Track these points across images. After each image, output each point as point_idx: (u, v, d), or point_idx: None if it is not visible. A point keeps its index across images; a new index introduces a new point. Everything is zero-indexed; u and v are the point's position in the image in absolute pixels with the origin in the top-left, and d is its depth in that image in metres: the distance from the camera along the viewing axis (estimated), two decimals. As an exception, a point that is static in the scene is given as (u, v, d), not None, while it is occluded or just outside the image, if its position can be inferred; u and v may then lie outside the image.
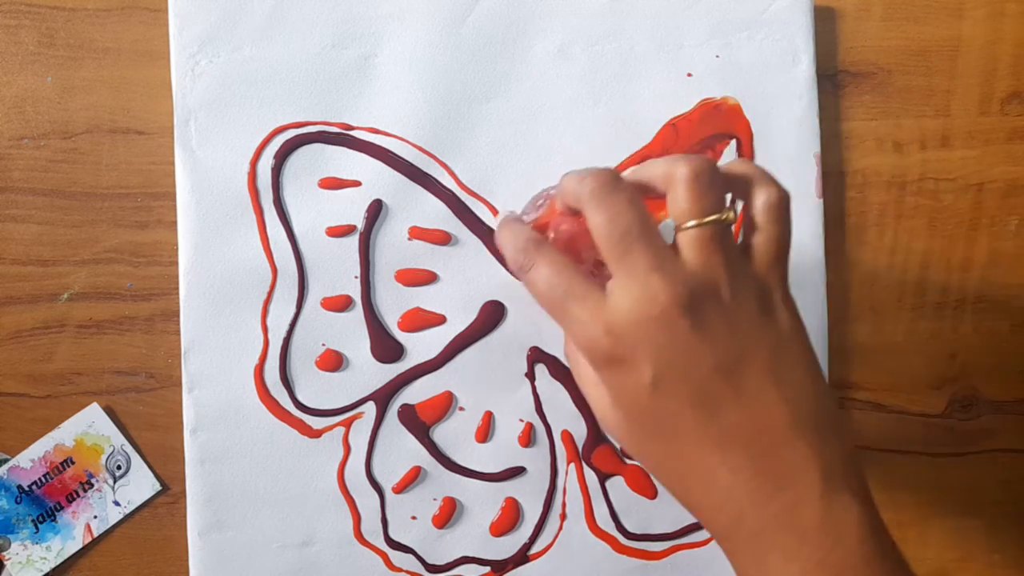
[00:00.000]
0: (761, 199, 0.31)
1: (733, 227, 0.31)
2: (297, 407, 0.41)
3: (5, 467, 0.41)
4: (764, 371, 0.30)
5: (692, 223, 0.30)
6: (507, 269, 0.34)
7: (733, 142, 0.42)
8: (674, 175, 0.30)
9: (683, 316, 0.29)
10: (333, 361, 0.41)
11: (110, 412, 0.42)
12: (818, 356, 0.42)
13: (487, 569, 0.42)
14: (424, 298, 0.42)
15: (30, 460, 0.41)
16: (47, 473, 0.41)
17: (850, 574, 0.28)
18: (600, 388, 0.32)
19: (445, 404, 0.42)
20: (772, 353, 0.30)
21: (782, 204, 0.31)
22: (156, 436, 0.42)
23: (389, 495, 0.42)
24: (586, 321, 0.30)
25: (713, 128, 0.42)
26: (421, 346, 0.42)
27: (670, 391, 0.29)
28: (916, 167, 0.44)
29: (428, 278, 0.42)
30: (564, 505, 0.42)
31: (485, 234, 0.42)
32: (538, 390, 0.42)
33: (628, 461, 0.42)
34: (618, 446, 0.42)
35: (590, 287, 0.30)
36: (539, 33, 0.42)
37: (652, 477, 0.32)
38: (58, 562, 0.41)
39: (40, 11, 0.42)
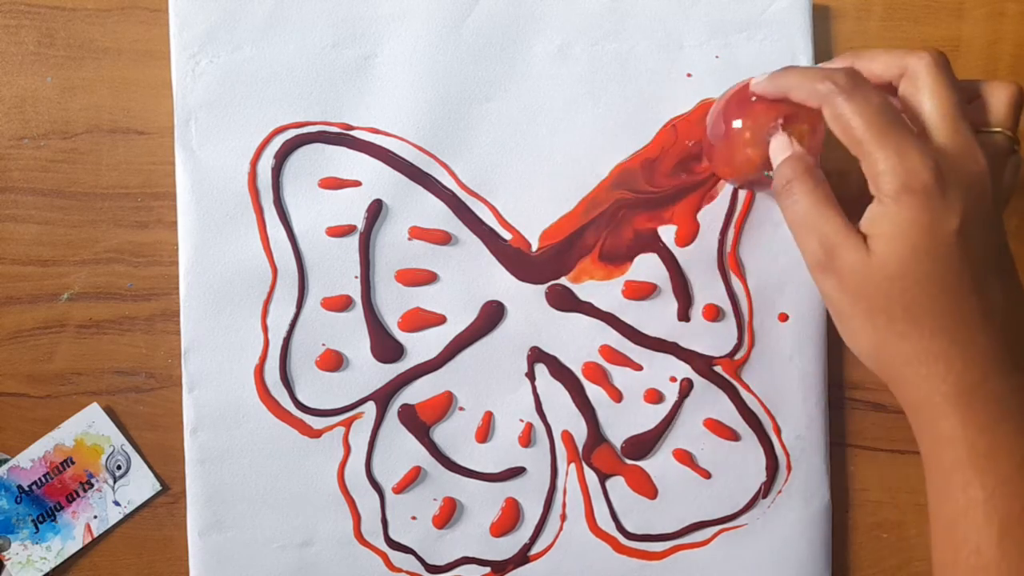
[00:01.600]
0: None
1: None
2: (297, 407, 0.41)
3: (5, 467, 0.41)
4: (1012, 270, 0.33)
5: (1002, 130, 0.34)
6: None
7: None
8: (1009, 93, 0.35)
9: (989, 187, 0.32)
10: (333, 361, 0.41)
11: (110, 412, 0.42)
12: (818, 356, 0.42)
13: (487, 569, 0.42)
14: (424, 298, 0.42)
15: (30, 460, 0.41)
16: (47, 473, 0.41)
17: None
18: (868, 239, 0.32)
19: (445, 404, 0.42)
20: (1012, 262, 0.34)
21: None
22: (156, 436, 0.42)
23: (389, 495, 0.42)
24: (914, 151, 0.31)
25: (713, 128, 0.42)
26: (421, 346, 0.42)
27: (967, 244, 0.31)
28: (916, 167, 0.44)
29: (428, 278, 0.42)
30: (564, 505, 0.42)
31: (485, 234, 0.42)
32: (538, 390, 0.42)
33: (628, 461, 0.42)
34: (618, 445, 0.42)
35: (914, 129, 0.32)
36: (539, 33, 0.42)
37: (866, 338, 0.33)
38: (58, 562, 0.41)
39: (40, 11, 0.42)
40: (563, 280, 0.42)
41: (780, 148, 0.36)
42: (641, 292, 0.42)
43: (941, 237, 0.31)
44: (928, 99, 0.33)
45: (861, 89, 0.32)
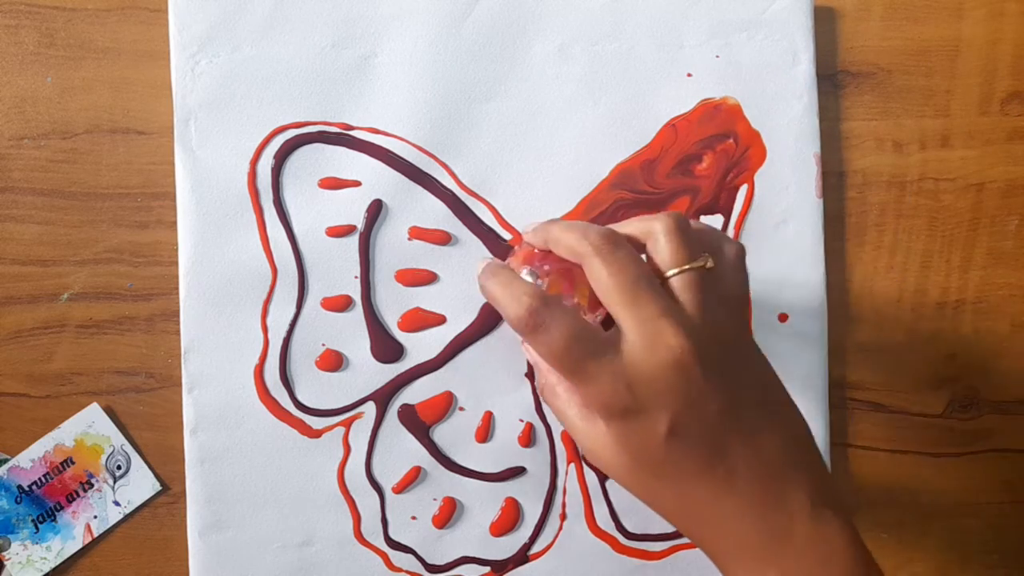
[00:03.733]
0: (728, 251, 0.34)
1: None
2: (297, 407, 0.41)
3: (5, 467, 0.41)
4: (760, 408, 0.32)
5: (676, 270, 0.32)
6: (506, 319, 0.34)
7: (732, 141, 0.42)
8: (654, 229, 0.33)
9: (695, 362, 0.30)
10: (333, 361, 0.41)
11: (110, 412, 0.42)
12: (818, 356, 0.42)
13: (487, 569, 0.42)
14: (424, 298, 0.42)
15: (30, 460, 0.41)
16: (47, 473, 0.41)
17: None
18: (602, 438, 0.32)
19: (445, 404, 0.42)
20: (763, 390, 0.33)
21: (743, 256, 0.35)
22: (156, 436, 0.42)
23: (389, 495, 0.42)
24: (605, 378, 0.31)
25: (713, 128, 0.42)
26: (421, 346, 0.42)
27: (684, 437, 0.31)
28: (916, 167, 0.44)
29: (428, 278, 0.42)
30: (564, 505, 0.42)
31: (485, 234, 0.42)
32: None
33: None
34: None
35: (606, 342, 0.31)
36: (539, 33, 0.42)
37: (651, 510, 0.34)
38: (58, 562, 0.41)
39: (40, 11, 0.42)
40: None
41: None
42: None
43: (654, 446, 0.31)
44: (605, 292, 0.31)
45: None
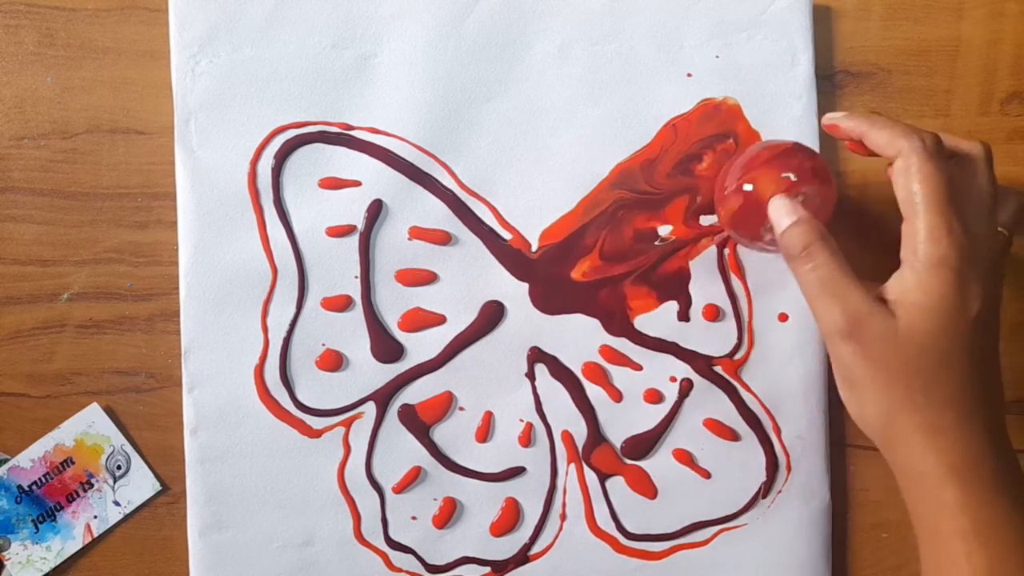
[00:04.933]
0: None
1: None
2: (297, 407, 0.41)
3: (5, 467, 0.41)
4: (999, 355, 0.35)
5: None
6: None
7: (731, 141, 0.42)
8: (974, 154, 0.36)
9: (998, 282, 0.35)
10: (333, 361, 0.41)
11: (110, 412, 0.42)
12: (818, 356, 0.42)
13: (487, 569, 0.42)
14: (424, 298, 0.42)
15: (30, 460, 0.41)
16: (47, 473, 0.41)
17: None
18: (895, 309, 0.33)
19: (445, 404, 0.42)
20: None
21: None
22: (156, 436, 0.42)
23: (389, 495, 0.42)
24: (960, 230, 0.33)
25: (713, 128, 0.42)
26: (421, 346, 0.42)
27: (985, 329, 0.33)
28: (916, 167, 0.44)
29: (428, 278, 0.42)
30: (564, 505, 0.42)
31: (485, 234, 0.42)
32: (538, 390, 0.42)
33: (628, 461, 0.42)
34: (618, 445, 0.42)
35: None
36: (539, 33, 0.42)
37: (871, 409, 0.35)
38: (58, 562, 0.41)
39: (40, 11, 0.42)
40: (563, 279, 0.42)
41: (785, 211, 0.36)
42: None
43: (965, 318, 0.33)
44: (978, 183, 0.35)
45: (940, 156, 0.34)
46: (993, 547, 0.32)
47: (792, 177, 0.36)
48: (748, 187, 0.37)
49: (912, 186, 0.33)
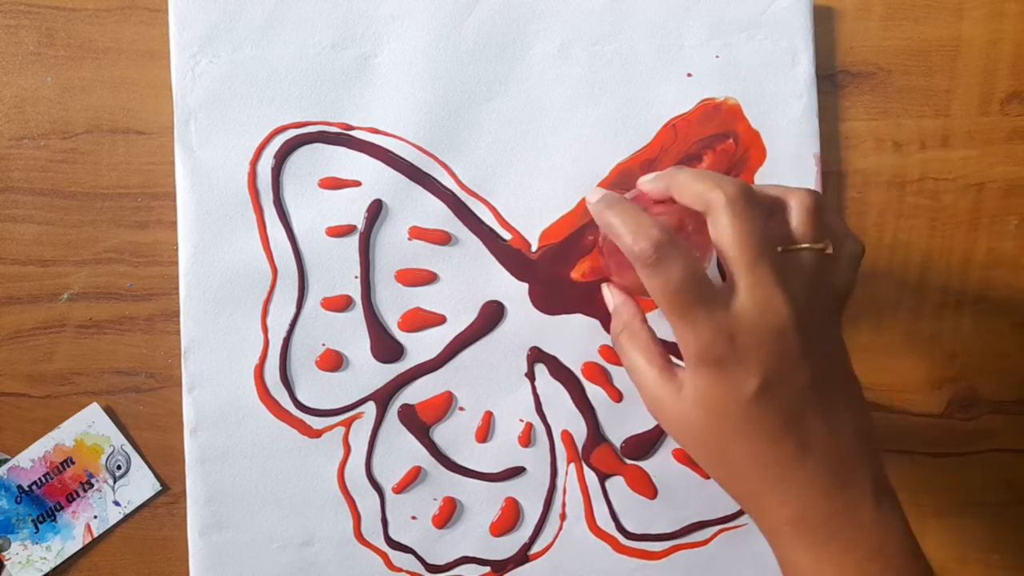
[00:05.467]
0: (849, 246, 0.35)
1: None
2: (297, 407, 0.41)
3: (5, 467, 0.41)
4: (839, 392, 0.33)
5: (800, 246, 0.33)
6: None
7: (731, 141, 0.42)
8: (790, 201, 0.34)
9: (796, 334, 0.32)
10: (333, 361, 0.41)
11: (110, 412, 0.42)
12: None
13: (487, 569, 0.42)
14: (424, 298, 0.42)
15: (30, 460, 0.41)
16: (47, 473, 0.41)
17: (899, 560, 0.32)
18: (680, 390, 0.33)
19: (445, 404, 0.42)
20: (844, 377, 0.34)
21: (860, 256, 0.35)
22: (156, 436, 0.42)
23: (389, 495, 0.42)
24: (709, 325, 0.31)
25: (713, 128, 0.42)
26: (421, 346, 0.42)
27: (770, 399, 0.32)
28: (916, 167, 0.44)
29: (428, 278, 0.42)
30: (564, 505, 0.42)
31: (485, 234, 0.42)
32: (538, 390, 0.42)
33: (628, 461, 0.42)
34: (618, 444, 0.42)
35: (718, 293, 0.32)
36: (539, 33, 0.42)
37: (704, 469, 0.35)
38: (58, 562, 0.41)
39: (40, 11, 0.42)
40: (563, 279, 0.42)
41: (607, 296, 0.39)
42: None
43: (739, 401, 0.32)
44: (728, 246, 0.32)
45: (748, 207, 0.32)
46: None
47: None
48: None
49: (719, 248, 0.32)
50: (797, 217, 0.33)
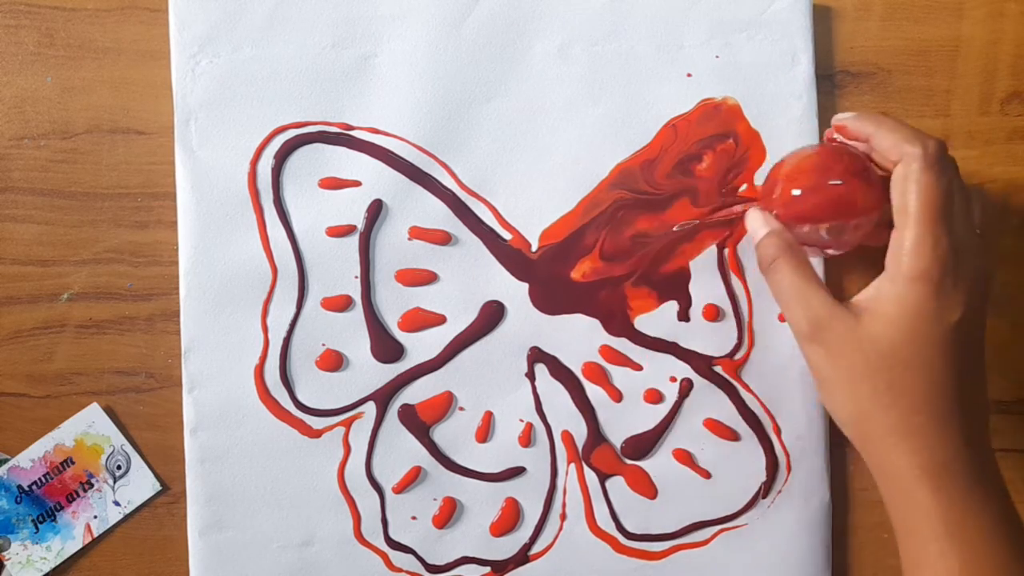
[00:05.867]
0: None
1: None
2: (297, 407, 0.41)
3: (5, 467, 0.41)
4: (983, 352, 0.36)
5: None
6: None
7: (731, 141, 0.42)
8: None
9: (985, 280, 0.34)
10: (333, 361, 0.41)
11: (110, 412, 0.42)
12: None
13: (487, 569, 0.42)
14: (424, 298, 0.42)
15: (30, 460, 0.41)
16: (47, 473, 0.41)
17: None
18: (863, 313, 0.34)
19: (445, 404, 0.42)
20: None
21: None
22: (156, 436, 0.42)
23: (389, 495, 0.42)
24: (945, 240, 0.33)
25: (713, 128, 0.42)
26: (421, 346, 0.42)
27: (964, 334, 0.34)
28: (916, 167, 0.44)
29: (428, 278, 0.42)
30: (564, 505, 0.42)
31: (485, 234, 0.42)
32: (538, 390, 0.42)
33: (628, 461, 0.42)
34: (618, 445, 0.42)
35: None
36: (539, 33, 0.42)
37: (845, 402, 0.35)
38: (58, 562, 0.41)
39: (40, 11, 0.42)
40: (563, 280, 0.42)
41: (759, 223, 0.38)
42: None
43: (942, 327, 0.33)
44: (957, 191, 0.34)
45: (942, 165, 0.34)
46: (966, 548, 0.33)
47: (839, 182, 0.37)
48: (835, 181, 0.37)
49: (908, 194, 0.34)
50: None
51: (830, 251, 0.38)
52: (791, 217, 0.37)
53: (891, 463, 0.34)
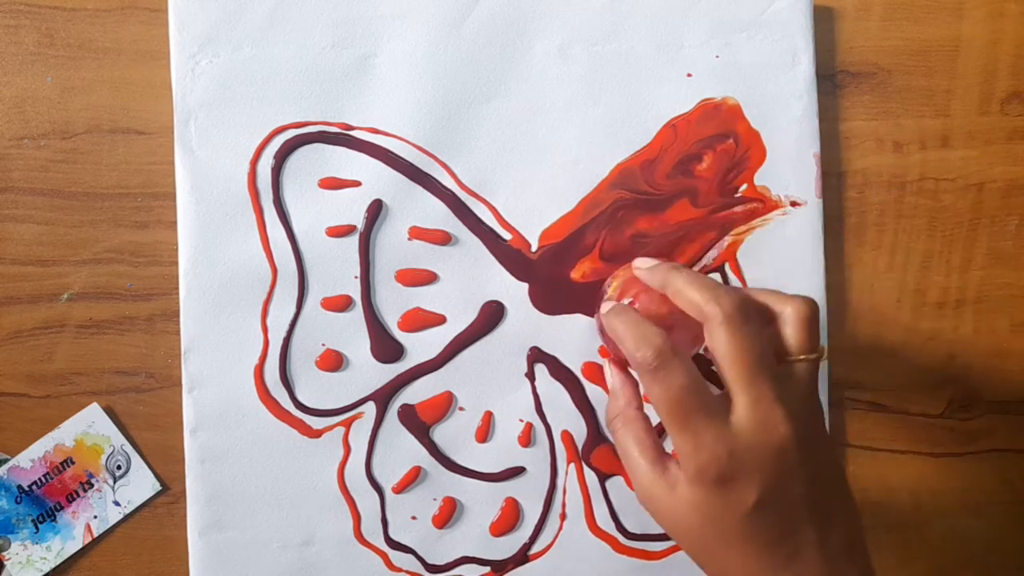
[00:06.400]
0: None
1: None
2: (297, 407, 0.41)
3: (5, 467, 0.41)
4: (831, 499, 0.33)
5: (800, 357, 0.34)
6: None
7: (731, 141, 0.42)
8: (786, 312, 0.34)
9: (795, 447, 0.32)
10: (333, 361, 0.41)
11: (110, 412, 0.42)
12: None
13: (487, 569, 0.42)
14: (424, 298, 0.42)
15: (30, 460, 0.41)
16: (47, 473, 0.41)
17: None
18: (674, 493, 0.33)
19: (445, 404, 0.42)
20: (836, 483, 0.34)
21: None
22: (156, 436, 0.42)
23: (389, 495, 0.42)
24: (709, 438, 0.32)
25: (713, 128, 0.42)
26: (421, 346, 0.42)
27: (765, 513, 0.32)
28: (916, 167, 0.44)
29: (428, 278, 0.42)
30: (564, 505, 0.42)
31: (485, 234, 0.42)
32: (538, 390, 0.42)
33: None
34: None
35: (718, 405, 0.32)
36: (539, 33, 0.42)
37: (693, 560, 0.34)
38: (58, 562, 0.41)
39: (40, 11, 0.42)
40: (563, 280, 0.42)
41: (609, 376, 0.38)
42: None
43: (736, 513, 0.32)
44: (726, 365, 0.32)
45: (740, 319, 0.32)
46: None
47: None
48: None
49: (719, 360, 0.33)
50: (792, 326, 0.34)
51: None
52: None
53: None
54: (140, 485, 0.42)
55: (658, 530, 0.42)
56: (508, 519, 0.42)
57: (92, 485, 0.41)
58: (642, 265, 0.37)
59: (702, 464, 0.32)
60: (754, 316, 0.33)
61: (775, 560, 0.32)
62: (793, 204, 0.42)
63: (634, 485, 0.35)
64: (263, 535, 0.41)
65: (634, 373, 0.36)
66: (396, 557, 0.42)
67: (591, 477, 0.42)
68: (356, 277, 0.41)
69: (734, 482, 0.32)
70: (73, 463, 0.41)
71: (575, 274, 0.42)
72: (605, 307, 0.37)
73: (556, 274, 0.42)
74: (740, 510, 0.32)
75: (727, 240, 0.42)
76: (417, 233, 0.41)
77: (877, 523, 0.44)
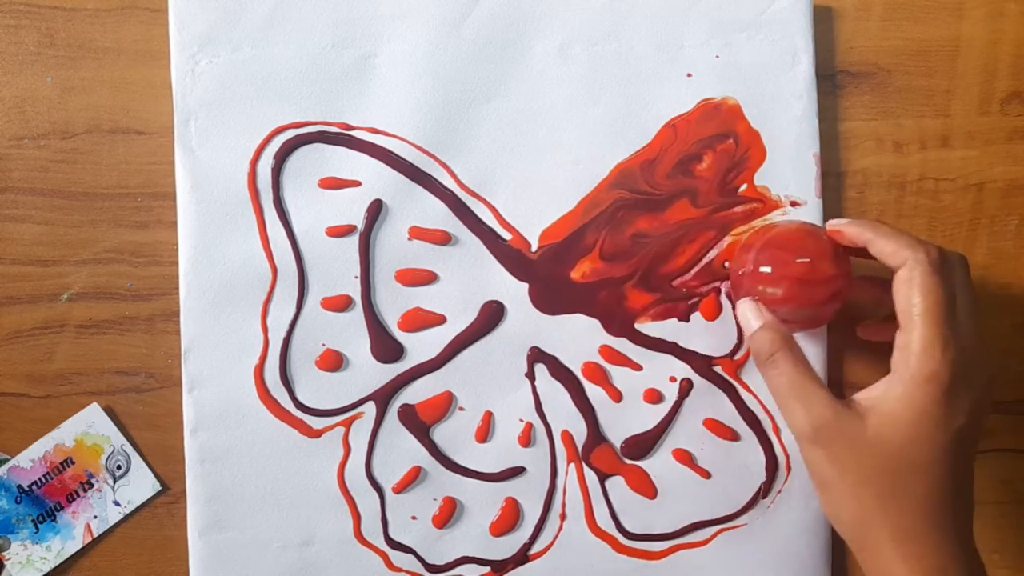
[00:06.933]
0: None
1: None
2: (297, 407, 0.41)
3: (5, 467, 0.41)
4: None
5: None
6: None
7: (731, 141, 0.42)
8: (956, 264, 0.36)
9: (990, 387, 0.35)
10: (333, 361, 0.41)
11: (110, 412, 0.42)
12: (818, 356, 0.42)
13: (487, 569, 0.42)
14: (424, 298, 0.42)
15: (30, 460, 0.41)
16: (47, 473, 0.41)
17: None
18: (866, 414, 0.34)
19: (445, 404, 0.42)
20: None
21: None
22: (156, 436, 0.42)
23: (389, 495, 0.42)
24: (955, 347, 0.33)
25: (713, 128, 0.42)
26: (421, 346, 0.42)
27: (966, 440, 0.34)
28: (916, 167, 0.44)
29: (428, 278, 0.42)
30: (564, 505, 0.42)
31: (485, 234, 0.42)
32: (538, 390, 0.42)
33: (628, 461, 0.42)
34: (618, 445, 0.42)
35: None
36: (539, 33, 0.42)
37: (844, 503, 0.35)
38: (58, 562, 0.41)
39: (40, 11, 0.42)
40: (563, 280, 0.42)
41: (753, 315, 0.37)
42: (641, 292, 0.42)
43: (948, 431, 0.33)
44: (960, 294, 0.34)
45: (944, 270, 0.34)
46: None
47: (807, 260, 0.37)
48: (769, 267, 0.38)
49: (913, 298, 0.34)
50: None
51: (806, 328, 0.38)
52: (766, 298, 0.38)
53: (887, 569, 0.34)
54: (140, 485, 0.42)
55: (658, 530, 0.42)
56: (508, 519, 0.42)
57: (92, 485, 0.41)
58: (840, 222, 0.38)
59: (946, 362, 0.33)
60: (948, 267, 0.35)
61: (957, 502, 0.33)
62: (793, 204, 0.42)
63: (805, 421, 0.34)
64: (263, 535, 0.41)
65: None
66: (396, 557, 0.42)
67: (591, 477, 0.42)
68: (356, 277, 0.41)
69: (956, 395, 0.33)
70: (73, 463, 0.41)
71: (575, 274, 0.42)
72: (836, 222, 0.38)
73: (556, 274, 0.42)
74: (952, 428, 0.33)
75: (727, 240, 0.42)
76: (417, 233, 0.41)
77: (877, 523, 0.44)
